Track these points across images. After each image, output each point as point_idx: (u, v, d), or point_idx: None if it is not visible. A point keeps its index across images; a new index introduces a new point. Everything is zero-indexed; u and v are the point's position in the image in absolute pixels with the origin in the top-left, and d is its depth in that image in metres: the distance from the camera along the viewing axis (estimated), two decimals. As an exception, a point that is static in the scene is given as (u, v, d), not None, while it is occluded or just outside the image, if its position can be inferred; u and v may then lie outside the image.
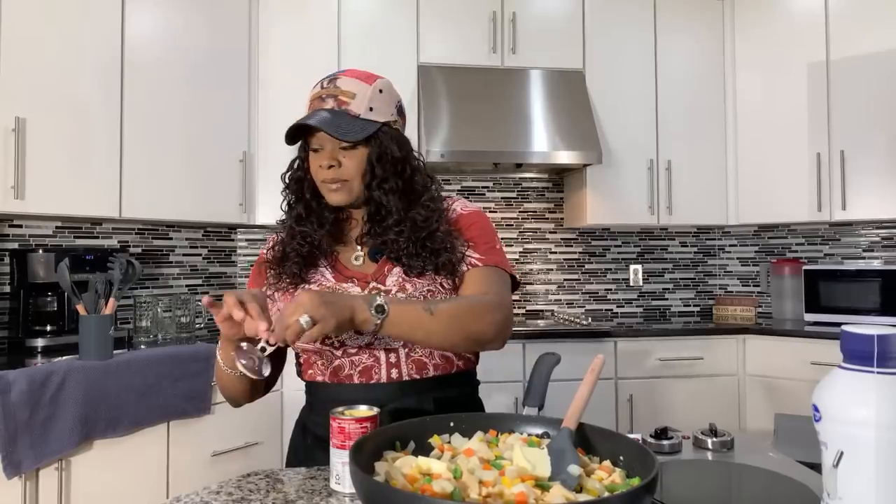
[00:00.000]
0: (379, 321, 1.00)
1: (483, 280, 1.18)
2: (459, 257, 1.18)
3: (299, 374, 1.32)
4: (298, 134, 1.22)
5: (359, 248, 1.24)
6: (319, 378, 1.23)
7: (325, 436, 1.03)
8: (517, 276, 1.29)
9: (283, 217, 1.27)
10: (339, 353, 1.17)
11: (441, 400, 1.16)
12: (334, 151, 1.18)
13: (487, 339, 1.12)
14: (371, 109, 1.16)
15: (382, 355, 1.16)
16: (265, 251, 1.30)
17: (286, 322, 0.93)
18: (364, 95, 1.16)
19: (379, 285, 1.17)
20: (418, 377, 1.17)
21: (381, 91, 1.19)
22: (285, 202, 1.27)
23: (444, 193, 1.28)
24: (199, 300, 3.13)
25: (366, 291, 1.16)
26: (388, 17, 3.30)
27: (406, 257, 1.16)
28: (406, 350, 1.17)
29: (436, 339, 1.08)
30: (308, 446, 1.24)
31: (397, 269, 1.18)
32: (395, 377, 1.16)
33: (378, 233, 1.20)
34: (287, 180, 1.27)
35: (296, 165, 1.28)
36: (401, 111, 1.24)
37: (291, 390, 2.87)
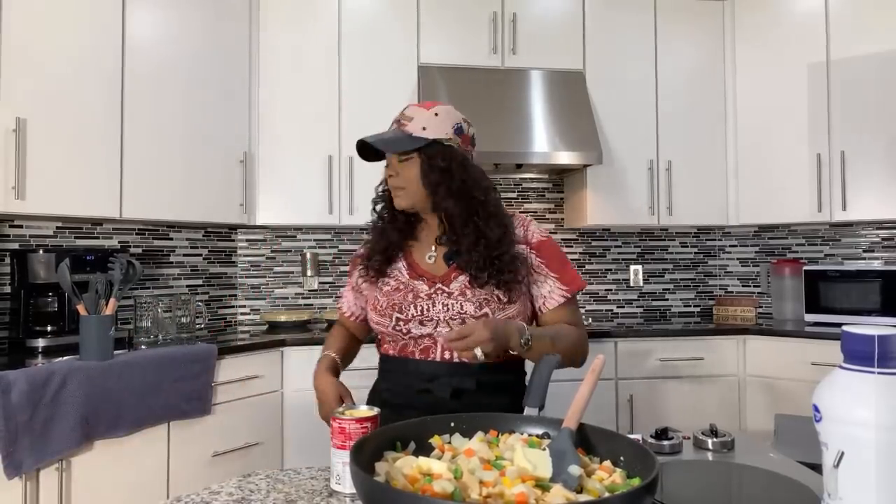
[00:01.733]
0: (525, 349, 1.25)
1: (574, 313, 1.42)
2: (519, 279, 1.35)
3: (378, 347, 1.52)
4: (366, 151, 1.40)
5: (433, 248, 1.44)
6: (391, 352, 1.43)
7: (392, 400, 1.36)
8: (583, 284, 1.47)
9: (372, 220, 1.51)
10: (406, 337, 1.39)
11: (484, 382, 1.34)
12: (395, 164, 1.38)
13: (582, 362, 1.39)
14: (424, 129, 1.35)
15: (440, 340, 1.35)
16: (360, 249, 1.54)
17: (465, 345, 1.16)
18: (421, 118, 1.36)
19: (444, 287, 1.37)
20: (466, 360, 1.31)
21: (436, 115, 1.37)
22: (373, 208, 1.50)
23: (509, 210, 1.44)
24: (200, 302, 3.13)
25: (431, 290, 1.37)
26: (389, 17, 3.30)
27: (475, 270, 1.34)
28: None
29: (566, 365, 1.31)
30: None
31: (463, 277, 1.36)
32: (447, 357, 1.36)
33: (454, 239, 1.38)
34: (376, 191, 1.49)
35: (384, 179, 1.47)
36: (459, 131, 1.39)
37: (291, 391, 2.87)
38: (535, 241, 1.42)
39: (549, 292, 1.39)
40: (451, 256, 1.39)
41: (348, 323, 1.59)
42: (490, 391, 1.34)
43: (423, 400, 1.33)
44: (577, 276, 1.42)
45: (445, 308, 1.34)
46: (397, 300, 1.37)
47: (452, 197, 1.35)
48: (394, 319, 1.37)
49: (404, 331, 1.37)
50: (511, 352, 1.25)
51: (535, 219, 3.76)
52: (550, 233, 3.80)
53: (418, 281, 1.39)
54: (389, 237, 1.44)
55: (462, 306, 1.33)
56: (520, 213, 1.48)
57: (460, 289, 1.35)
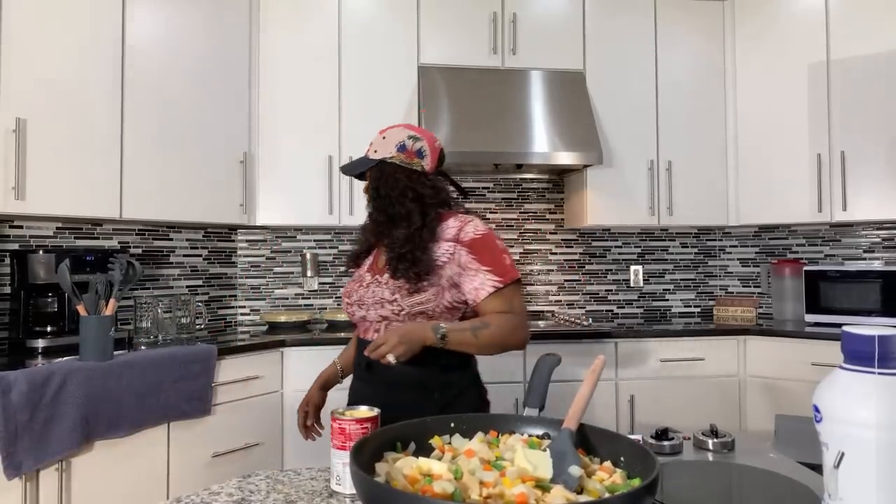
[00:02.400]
0: (443, 343, 1.43)
1: (505, 301, 1.52)
2: (421, 272, 1.52)
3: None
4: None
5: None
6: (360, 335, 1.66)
7: (359, 374, 1.64)
8: (521, 278, 1.58)
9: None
10: (356, 317, 1.64)
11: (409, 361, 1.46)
12: (368, 184, 1.66)
13: (516, 348, 1.53)
14: (376, 151, 1.61)
15: (371, 324, 1.60)
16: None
17: (379, 354, 1.38)
18: (376, 143, 1.62)
19: (378, 277, 1.59)
20: (386, 364, 1.47)
21: (384, 138, 1.62)
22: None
23: (462, 215, 1.61)
24: (200, 302, 3.13)
25: (370, 280, 1.61)
26: (389, 17, 3.31)
27: (389, 263, 1.56)
28: (381, 326, 1.57)
29: (482, 352, 1.51)
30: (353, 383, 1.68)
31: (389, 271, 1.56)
32: (372, 338, 1.57)
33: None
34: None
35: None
36: (402, 148, 1.60)
37: (291, 391, 2.87)
38: (466, 240, 1.54)
39: (481, 284, 1.51)
40: (389, 262, 1.59)
41: None
42: (402, 369, 1.45)
43: (357, 372, 1.64)
44: (509, 269, 1.54)
45: (372, 294, 1.56)
46: (351, 288, 1.64)
47: (376, 206, 1.62)
48: (345, 303, 1.66)
49: (353, 312, 1.63)
50: (433, 346, 1.42)
51: (535, 219, 3.78)
52: (551, 233, 3.83)
53: (367, 273, 1.64)
54: (367, 236, 1.70)
55: (382, 293, 1.54)
56: (463, 213, 1.62)
57: (385, 280, 1.56)
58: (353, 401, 1.60)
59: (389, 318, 1.54)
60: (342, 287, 1.83)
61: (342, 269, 3.55)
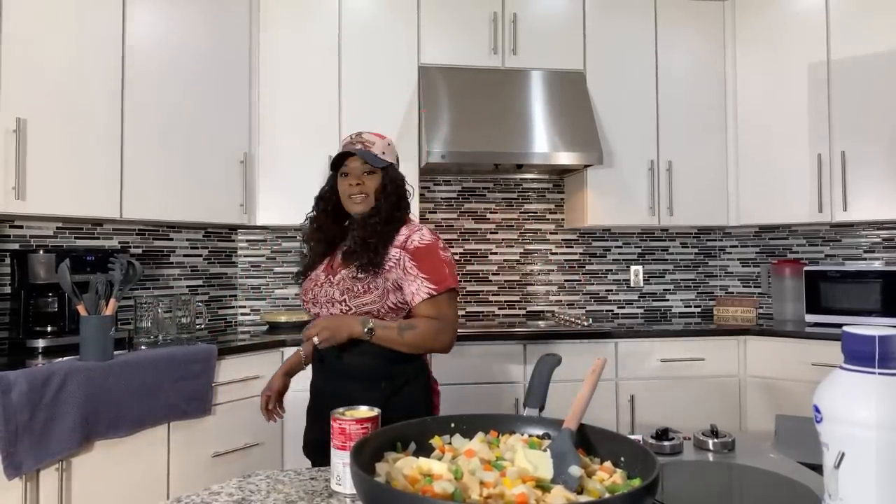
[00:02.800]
0: (369, 337, 1.59)
1: (436, 307, 1.66)
2: (369, 267, 1.65)
3: None
4: (338, 163, 1.74)
5: (345, 245, 1.75)
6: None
7: (315, 367, 1.78)
8: (458, 288, 1.74)
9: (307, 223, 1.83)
10: (311, 314, 1.75)
11: (346, 354, 1.64)
12: (360, 175, 1.72)
13: (439, 351, 1.69)
14: (383, 153, 1.75)
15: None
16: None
17: (307, 335, 1.59)
18: (380, 144, 1.75)
19: (331, 277, 1.69)
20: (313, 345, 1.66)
21: (388, 144, 1.78)
22: (311, 214, 1.83)
23: (413, 223, 1.76)
24: (200, 302, 3.13)
25: (324, 279, 1.71)
26: (389, 17, 3.31)
27: (355, 264, 1.65)
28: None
29: (405, 350, 1.63)
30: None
31: (344, 271, 1.67)
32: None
33: (359, 240, 1.68)
34: (316, 199, 1.82)
35: (327, 188, 1.81)
36: (398, 161, 1.81)
37: (292, 391, 2.86)
38: (411, 247, 1.67)
39: (417, 289, 1.65)
40: (346, 255, 1.70)
41: None
42: (349, 361, 1.64)
43: (314, 364, 1.77)
44: (446, 277, 1.67)
45: (325, 293, 1.68)
46: (307, 286, 1.74)
47: (382, 206, 1.71)
48: (302, 300, 1.77)
49: (309, 309, 1.74)
50: (360, 339, 1.58)
51: (536, 219, 3.78)
52: (551, 233, 3.83)
53: (322, 272, 1.73)
54: (333, 232, 1.78)
55: (333, 293, 1.66)
56: (414, 222, 1.77)
57: (337, 280, 1.67)
58: (313, 392, 1.78)
59: (335, 313, 1.66)
60: None
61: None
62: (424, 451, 0.97)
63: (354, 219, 1.75)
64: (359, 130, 1.85)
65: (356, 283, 1.64)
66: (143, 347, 2.53)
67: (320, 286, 1.70)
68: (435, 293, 1.64)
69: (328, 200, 1.79)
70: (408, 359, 1.68)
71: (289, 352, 2.87)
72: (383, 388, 1.62)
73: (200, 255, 3.31)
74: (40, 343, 2.48)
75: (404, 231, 1.70)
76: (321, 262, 1.77)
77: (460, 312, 3.59)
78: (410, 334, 1.62)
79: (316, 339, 1.57)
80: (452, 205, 3.69)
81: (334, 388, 1.65)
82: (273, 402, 1.89)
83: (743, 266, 3.88)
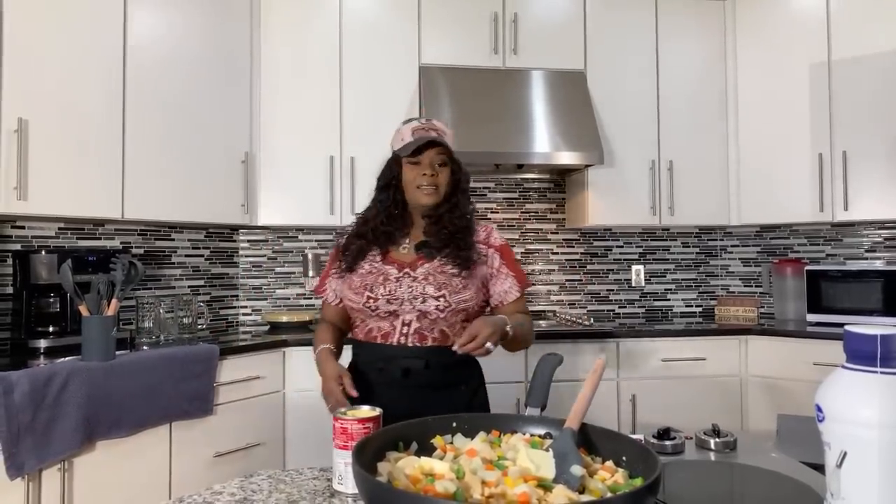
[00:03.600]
0: (510, 335, 1.47)
1: (523, 306, 1.65)
2: (471, 260, 1.58)
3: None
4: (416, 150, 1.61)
5: (407, 240, 1.64)
6: (360, 336, 1.62)
7: (358, 383, 1.49)
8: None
9: (361, 213, 1.72)
10: (372, 317, 1.58)
11: (432, 364, 1.53)
12: (435, 165, 1.61)
13: (530, 346, 1.67)
14: (452, 144, 1.66)
15: (399, 324, 1.55)
16: (342, 240, 1.74)
17: (478, 344, 1.37)
18: (449, 134, 1.66)
19: (411, 272, 1.56)
20: (419, 344, 1.54)
21: (453, 136, 1.70)
22: (372, 203, 1.69)
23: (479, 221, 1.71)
24: (201, 302, 3.13)
25: (400, 274, 1.57)
26: (390, 18, 3.31)
27: (449, 259, 1.56)
28: (416, 324, 1.54)
29: (521, 347, 1.60)
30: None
31: (428, 265, 1.56)
32: (402, 342, 1.55)
33: (434, 231, 1.60)
34: (382, 186, 1.67)
35: (391, 174, 1.66)
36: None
37: (293, 391, 2.87)
38: (497, 244, 1.65)
39: (510, 288, 1.62)
40: (421, 246, 1.60)
41: (332, 312, 1.73)
42: (439, 370, 1.53)
43: (381, 378, 1.55)
44: (525, 276, 1.68)
45: (410, 290, 1.54)
46: (369, 281, 1.57)
47: (458, 201, 1.64)
48: (364, 297, 1.56)
49: (373, 307, 1.55)
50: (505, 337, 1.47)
51: (537, 219, 3.78)
52: (552, 233, 3.83)
53: (390, 266, 1.59)
54: (400, 223, 1.65)
55: (424, 288, 1.53)
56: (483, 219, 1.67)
57: (424, 274, 1.55)
58: (388, 411, 1.22)
59: (430, 313, 1.52)
60: (333, 281, 1.73)
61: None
62: (426, 450, 0.97)
63: (412, 211, 1.65)
64: (424, 117, 1.70)
65: (453, 279, 1.54)
66: (144, 348, 2.54)
67: (396, 281, 1.55)
68: (521, 292, 1.63)
69: (396, 188, 1.65)
70: (473, 360, 1.62)
71: (290, 352, 2.87)
72: (463, 392, 1.58)
73: (202, 256, 3.31)
74: (42, 343, 2.48)
75: (478, 227, 1.67)
76: (369, 255, 1.62)
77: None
78: (525, 330, 1.57)
79: (490, 346, 1.38)
80: (453, 205, 3.69)
81: (419, 402, 1.44)
82: (348, 384, 1.46)
83: (744, 265, 3.87)
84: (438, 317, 1.53)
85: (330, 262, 1.78)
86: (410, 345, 1.55)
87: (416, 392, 1.51)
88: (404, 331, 1.55)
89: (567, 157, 3.19)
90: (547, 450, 0.90)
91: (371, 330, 1.59)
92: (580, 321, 3.33)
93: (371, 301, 1.55)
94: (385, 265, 1.60)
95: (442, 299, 1.52)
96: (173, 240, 3.18)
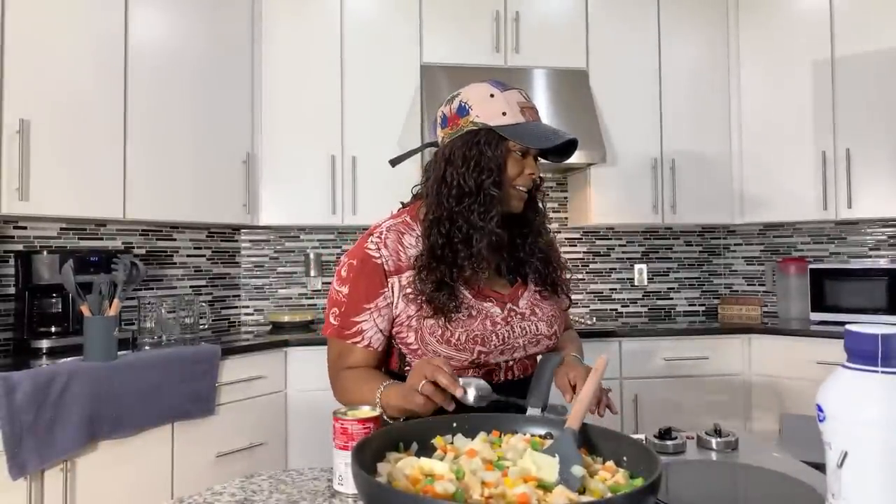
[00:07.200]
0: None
1: (569, 318, 1.44)
2: (566, 282, 1.32)
3: (401, 368, 1.28)
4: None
5: (483, 261, 1.19)
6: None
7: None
8: None
9: (430, 218, 1.20)
10: (472, 365, 1.23)
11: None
12: (535, 164, 1.22)
13: None
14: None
15: (503, 366, 1.26)
16: (374, 248, 1.22)
17: (606, 404, 1.19)
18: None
19: (515, 307, 1.23)
20: (522, 376, 1.29)
21: None
22: (455, 203, 1.17)
23: None
24: (203, 302, 3.13)
25: (505, 313, 1.21)
26: (391, 16, 3.30)
27: (539, 281, 1.27)
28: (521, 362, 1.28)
29: None
30: None
31: (528, 293, 1.27)
32: (509, 378, 1.28)
33: (526, 246, 1.26)
34: (487, 183, 1.17)
35: (493, 166, 1.17)
36: None
37: (295, 391, 2.87)
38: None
39: (565, 303, 1.39)
40: (512, 270, 1.26)
41: (363, 357, 1.25)
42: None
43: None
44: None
45: (524, 332, 1.22)
46: (478, 331, 1.17)
47: (540, 211, 1.31)
48: (475, 353, 1.17)
49: (482, 362, 1.19)
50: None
51: (539, 218, 3.76)
52: (554, 232, 3.80)
53: (487, 303, 1.20)
54: (501, 249, 1.23)
55: (537, 327, 1.24)
56: None
57: (529, 307, 1.24)
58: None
59: (539, 353, 1.28)
60: (374, 317, 1.24)
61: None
62: (426, 451, 0.97)
63: (500, 219, 1.20)
64: (513, 86, 1.26)
65: (553, 307, 1.27)
66: (146, 348, 2.54)
67: (505, 323, 1.20)
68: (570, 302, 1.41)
69: (500, 184, 1.20)
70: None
71: (292, 352, 2.87)
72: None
73: (203, 256, 3.31)
74: (44, 344, 2.49)
75: None
76: (461, 286, 1.18)
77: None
78: (580, 349, 1.38)
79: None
80: (455, 204, 3.68)
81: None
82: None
83: (747, 264, 3.86)
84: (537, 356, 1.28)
85: (358, 291, 1.23)
86: (515, 379, 1.29)
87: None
88: (509, 375, 1.28)
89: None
90: (554, 456, 0.89)
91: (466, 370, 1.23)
92: (583, 320, 3.32)
93: (482, 356, 1.18)
94: (479, 301, 1.20)
95: (553, 337, 1.26)
96: (175, 240, 3.19)
